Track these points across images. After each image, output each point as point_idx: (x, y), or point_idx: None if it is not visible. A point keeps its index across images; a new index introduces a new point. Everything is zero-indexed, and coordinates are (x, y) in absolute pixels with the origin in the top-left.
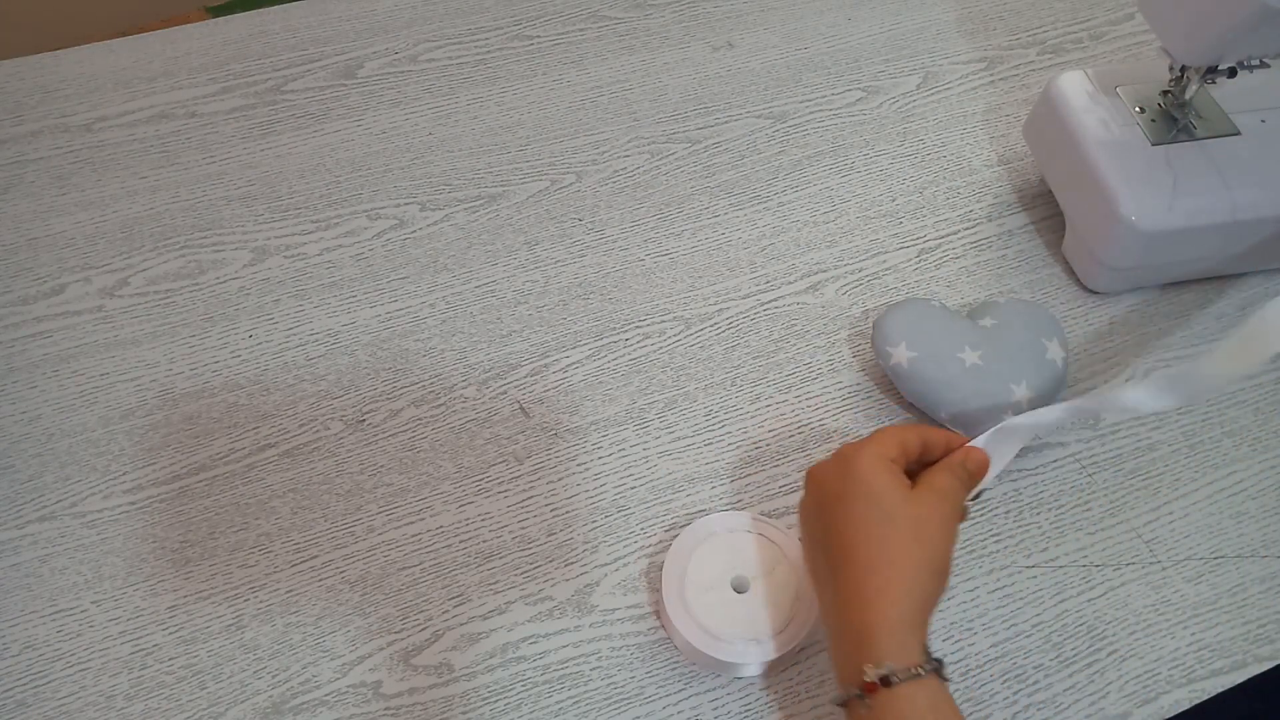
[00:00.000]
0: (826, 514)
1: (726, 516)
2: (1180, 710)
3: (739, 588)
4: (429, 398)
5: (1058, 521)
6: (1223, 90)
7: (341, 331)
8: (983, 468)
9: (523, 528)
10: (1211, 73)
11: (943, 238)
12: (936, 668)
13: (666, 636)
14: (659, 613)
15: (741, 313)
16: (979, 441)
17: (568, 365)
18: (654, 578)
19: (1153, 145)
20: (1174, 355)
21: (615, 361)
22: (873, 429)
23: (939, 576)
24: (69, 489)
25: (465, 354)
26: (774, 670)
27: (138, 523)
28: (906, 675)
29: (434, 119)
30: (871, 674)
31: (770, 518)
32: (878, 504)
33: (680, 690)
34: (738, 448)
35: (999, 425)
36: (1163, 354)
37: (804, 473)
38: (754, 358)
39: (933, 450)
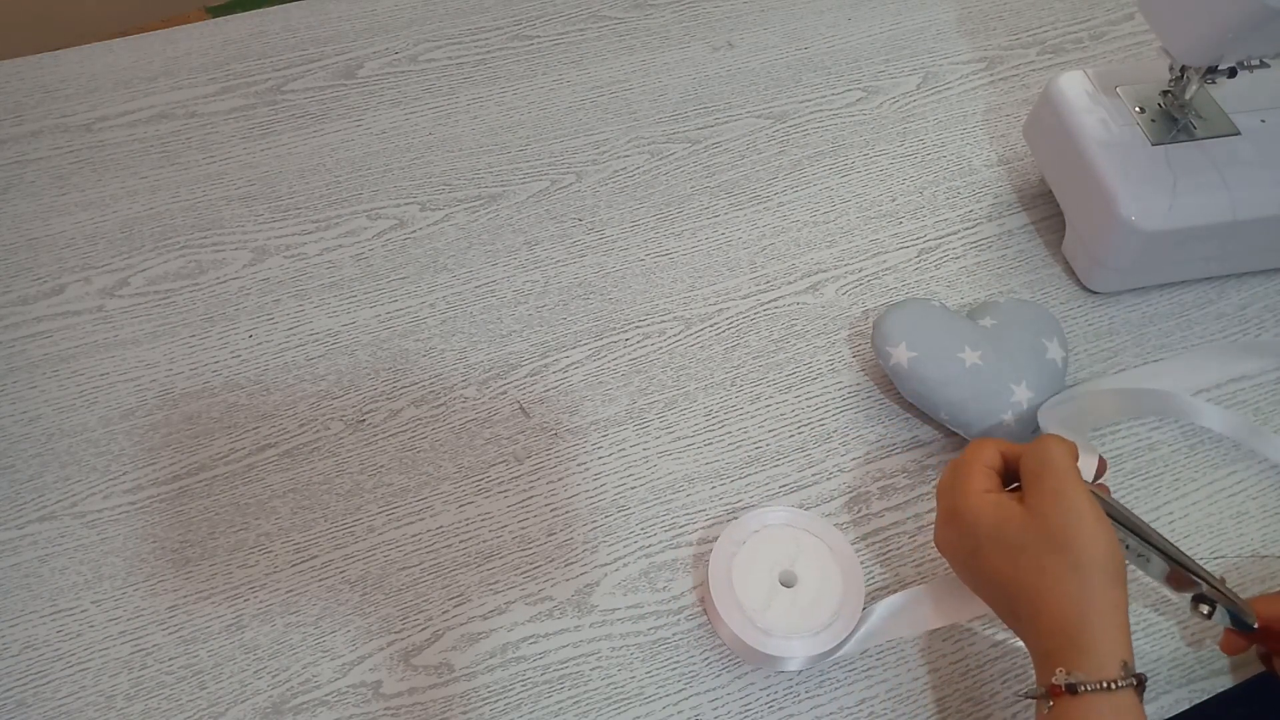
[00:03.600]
0: (974, 570)
1: (774, 511)
2: (1180, 710)
3: (786, 582)
4: (429, 398)
5: None
6: (1223, 90)
7: (341, 331)
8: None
9: (523, 528)
10: (1211, 73)
11: (943, 238)
12: (1132, 684)
13: (667, 636)
14: (703, 602)
15: (741, 313)
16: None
17: (568, 365)
18: (654, 577)
19: (1153, 145)
20: (1174, 355)
21: (615, 361)
22: (873, 429)
23: (1103, 560)
24: (69, 489)
25: (465, 354)
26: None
27: (138, 523)
28: (1094, 687)
29: (434, 119)
30: (1060, 679)
31: (808, 510)
32: (1003, 540)
33: (680, 690)
34: (738, 448)
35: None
36: (1162, 354)
37: (803, 472)
38: (754, 358)
39: (1014, 452)
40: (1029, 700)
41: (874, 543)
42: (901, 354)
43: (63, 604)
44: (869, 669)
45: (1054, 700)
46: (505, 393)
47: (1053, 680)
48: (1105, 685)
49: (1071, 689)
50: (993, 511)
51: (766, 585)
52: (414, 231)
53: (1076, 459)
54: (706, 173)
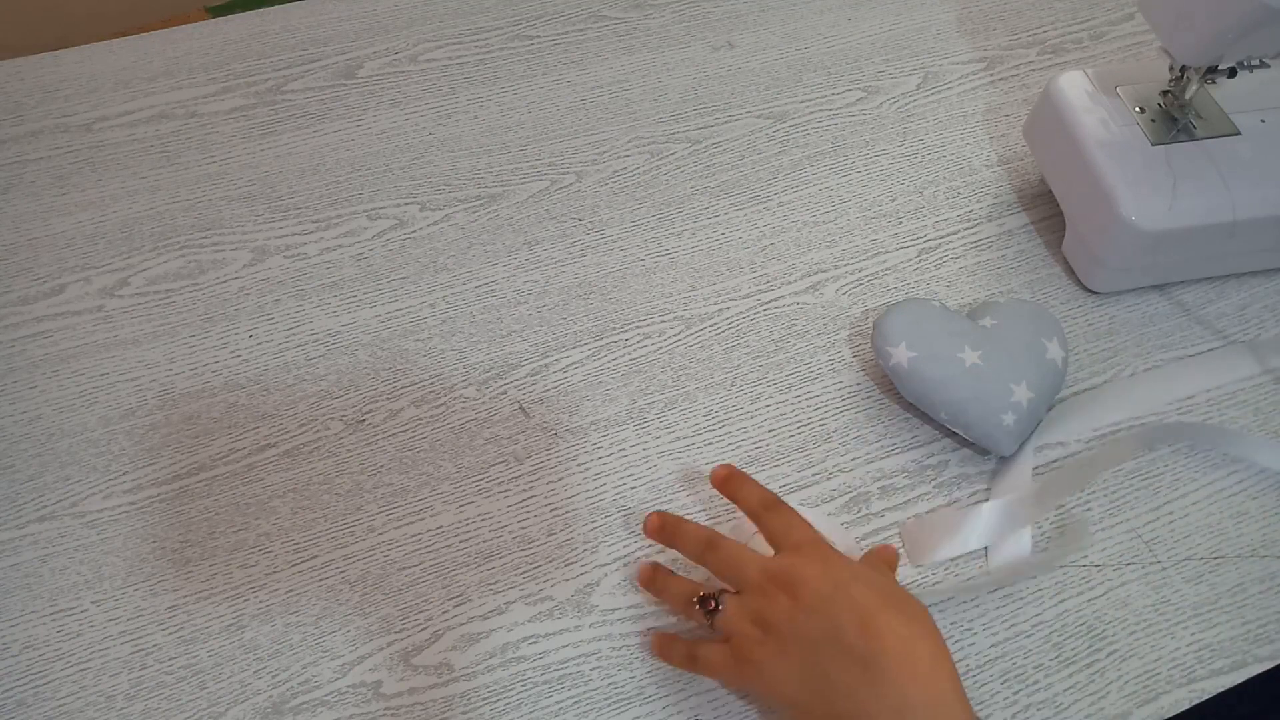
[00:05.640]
0: (819, 666)
1: None
2: (1180, 710)
3: None
4: (429, 398)
5: (1058, 522)
6: (1223, 90)
7: (341, 331)
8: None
9: (523, 528)
10: (1211, 73)
11: (943, 238)
12: None
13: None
14: None
15: (741, 313)
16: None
17: (568, 365)
18: None
19: (1153, 145)
20: (1173, 355)
21: (615, 361)
22: (873, 429)
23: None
24: (69, 489)
25: (465, 354)
26: None
27: (138, 523)
28: None
29: (434, 119)
30: None
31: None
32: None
33: (680, 690)
34: (738, 448)
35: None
36: (1162, 354)
37: (803, 472)
38: (754, 358)
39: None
40: None
41: (874, 543)
42: (901, 354)
43: (63, 604)
44: None
45: None
46: (505, 393)
47: None
48: None
49: None
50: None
51: None
52: (414, 231)
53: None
54: (706, 173)
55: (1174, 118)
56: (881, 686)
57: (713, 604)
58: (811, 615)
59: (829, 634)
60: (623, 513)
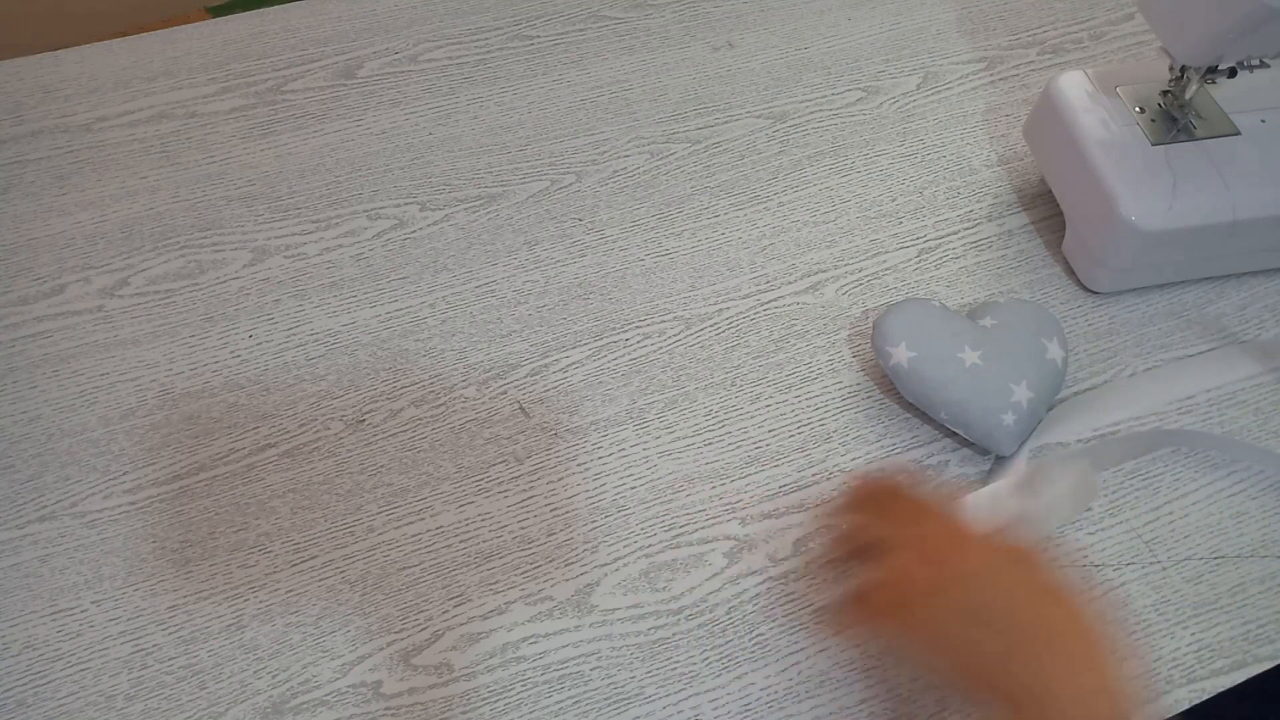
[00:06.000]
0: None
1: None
2: (1180, 710)
3: None
4: (429, 398)
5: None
6: (1223, 90)
7: (341, 331)
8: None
9: (523, 528)
10: (1211, 73)
11: (943, 238)
12: None
13: (667, 636)
14: None
15: (741, 313)
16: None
17: (568, 365)
18: (654, 578)
19: (1153, 145)
20: (1173, 355)
21: (615, 361)
22: (873, 429)
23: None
24: (69, 489)
25: (465, 354)
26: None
27: (138, 523)
28: None
29: (434, 119)
30: None
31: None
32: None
33: (680, 690)
34: (738, 448)
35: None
36: (1162, 354)
37: (803, 472)
38: (754, 358)
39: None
40: None
41: None
42: (901, 354)
43: (63, 604)
44: (869, 669)
45: None
46: (505, 393)
47: None
48: None
49: None
50: None
51: None
52: (414, 231)
53: None
54: (706, 173)
55: (1174, 118)
56: (1027, 667)
57: (871, 551)
58: (962, 592)
59: (978, 610)
60: (623, 513)
